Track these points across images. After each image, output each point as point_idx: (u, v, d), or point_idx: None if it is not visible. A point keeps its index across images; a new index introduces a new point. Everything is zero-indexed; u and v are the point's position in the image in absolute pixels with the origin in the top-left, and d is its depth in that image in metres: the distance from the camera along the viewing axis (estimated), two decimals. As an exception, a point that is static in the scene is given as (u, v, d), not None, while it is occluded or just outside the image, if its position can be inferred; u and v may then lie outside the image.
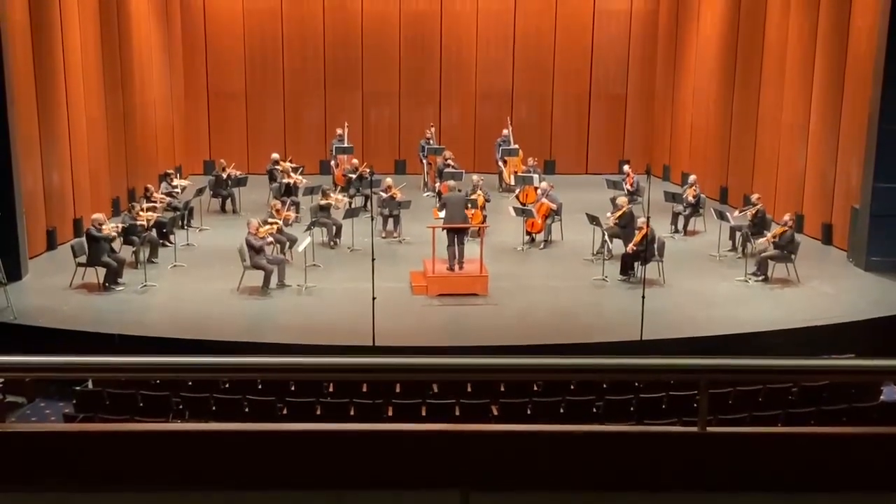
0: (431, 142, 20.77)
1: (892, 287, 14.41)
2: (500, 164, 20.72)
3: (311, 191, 17.59)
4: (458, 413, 9.22)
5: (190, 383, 9.75)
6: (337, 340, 12.02)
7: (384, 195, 16.82)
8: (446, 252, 14.36)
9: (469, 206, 15.65)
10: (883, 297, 14.03)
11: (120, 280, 14.12)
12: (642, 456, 2.96)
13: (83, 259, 14.07)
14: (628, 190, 18.07)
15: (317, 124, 22.54)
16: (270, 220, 15.02)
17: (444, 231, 14.43)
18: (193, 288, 14.25)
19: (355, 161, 19.40)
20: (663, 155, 22.27)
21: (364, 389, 9.74)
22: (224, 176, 18.66)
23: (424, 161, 20.62)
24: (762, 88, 18.63)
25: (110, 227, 14.35)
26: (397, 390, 9.79)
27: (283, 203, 16.51)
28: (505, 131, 21.05)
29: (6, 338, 12.15)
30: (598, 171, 21.95)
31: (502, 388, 9.77)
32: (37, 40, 15.45)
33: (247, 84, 22.37)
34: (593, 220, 15.67)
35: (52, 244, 15.97)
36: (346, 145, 20.23)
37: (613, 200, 17.01)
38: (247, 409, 9.35)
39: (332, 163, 20.47)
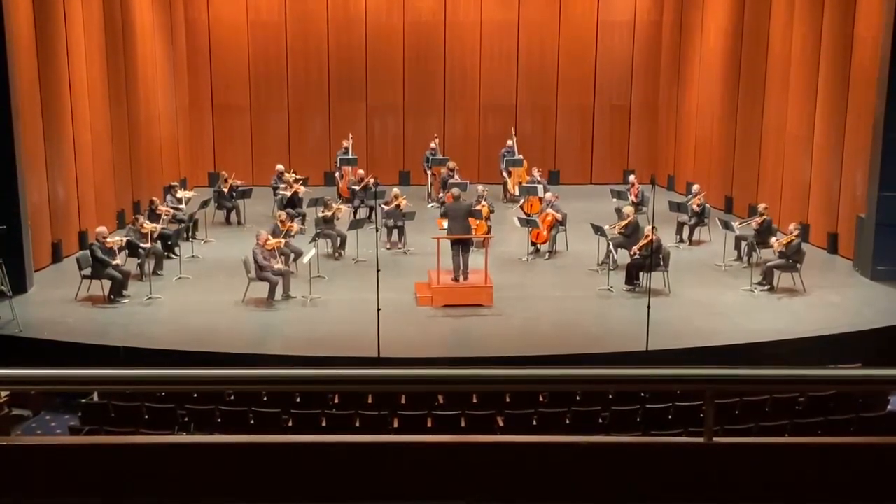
0: (436, 153, 20.81)
1: (898, 296, 14.38)
2: (505, 174, 20.74)
3: (314, 202, 17.62)
4: (463, 424, 9.20)
5: (195, 395, 9.74)
6: (342, 352, 12.01)
7: (394, 202, 16.84)
8: (451, 263, 14.35)
9: (474, 216, 15.63)
10: (889, 306, 13.98)
11: (125, 292, 14.13)
12: (648, 467, 2.95)
13: (88, 272, 14.08)
14: (633, 200, 18.05)
15: (321, 136, 22.57)
16: (274, 234, 14.95)
17: (449, 241, 14.43)
18: (198, 300, 14.25)
19: (361, 172, 19.42)
20: (668, 165, 22.26)
21: (369, 401, 9.72)
22: (224, 190, 18.66)
23: (429, 172, 20.64)
24: (766, 98, 18.62)
25: (114, 241, 14.37)
26: (403, 402, 9.77)
27: (289, 215, 16.53)
28: (509, 142, 21.07)
29: (11, 351, 12.16)
30: (602, 182, 21.94)
31: (508, 399, 9.76)
32: (42, 54, 15.51)
33: (251, 97, 22.42)
34: (598, 230, 15.66)
35: (57, 257, 15.99)
36: (350, 156, 20.28)
37: (619, 211, 16.99)
38: (252, 422, 9.35)
39: (337, 174, 20.53)
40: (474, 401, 9.73)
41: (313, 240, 15.60)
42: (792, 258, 14.55)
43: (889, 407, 10.11)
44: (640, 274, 14.53)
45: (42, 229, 15.53)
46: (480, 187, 17.63)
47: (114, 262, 14.06)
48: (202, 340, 12.58)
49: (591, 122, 22.91)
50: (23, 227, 14.22)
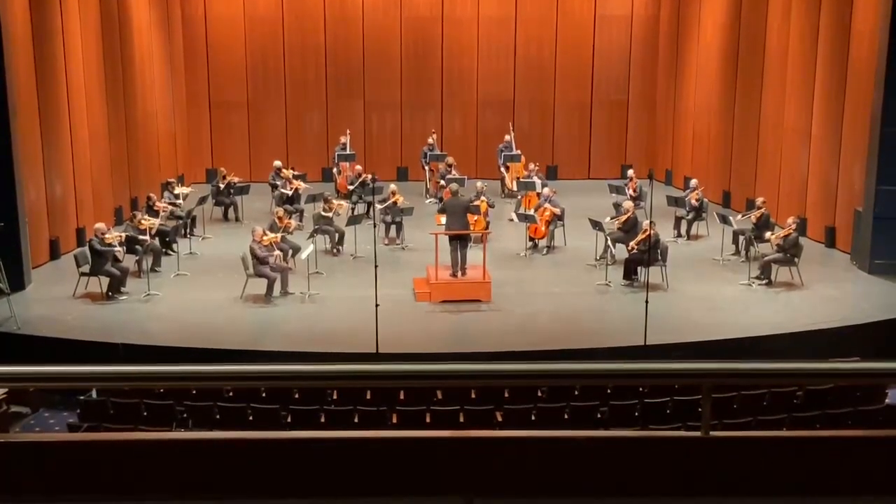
0: (434, 148, 20.81)
1: (895, 289, 14.38)
2: (503, 169, 20.73)
3: (313, 198, 17.61)
4: (462, 420, 9.21)
5: (194, 392, 9.74)
6: (340, 348, 12.03)
7: (391, 199, 16.84)
8: (449, 258, 14.35)
9: (472, 212, 15.61)
10: (886, 299, 14.00)
11: (123, 289, 14.12)
12: (646, 461, 2.96)
13: (86, 269, 14.08)
14: (631, 195, 18.05)
15: (319, 132, 22.57)
16: (271, 230, 14.91)
17: (447, 237, 14.43)
18: (197, 296, 14.25)
19: (358, 168, 19.41)
20: (665, 160, 22.27)
21: (368, 397, 9.73)
22: (222, 187, 18.63)
23: (426, 168, 20.65)
24: (764, 92, 18.63)
25: (113, 236, 14.36)
26: (401, 397, 9.78)
27: (287, 211, 16.52)
28: (507, 137, 21.06)
29: (10, 348, 12.16)
30: (600, 177, 21.95)
31: (506, 395, 9.77)
32: (38, 52, 15.49)
33: (248, 93, 22.41)
34: (596, 225, 15.66)
35: (55, 254, 15.99)
36: (348, 152, 20.28)
37: (618, 206, 16.97)
38: (251, 418, 9.35)
39: (335, 170, 20.53)
40: (473, 396, 9.74)
41: (311, 236, 15.59)
42: (789, 252, 14.56)
43: (887, 400, 10.13)
44: (639, 269, 14.53)
45: (40, 226, 15.52)
46: (480, 183, 17.62)
47: (115, 250, 14.05)
48: (200, 337, 12.59)
49: (588, 117, 22.92)
50: (20, 224, 14.21)
